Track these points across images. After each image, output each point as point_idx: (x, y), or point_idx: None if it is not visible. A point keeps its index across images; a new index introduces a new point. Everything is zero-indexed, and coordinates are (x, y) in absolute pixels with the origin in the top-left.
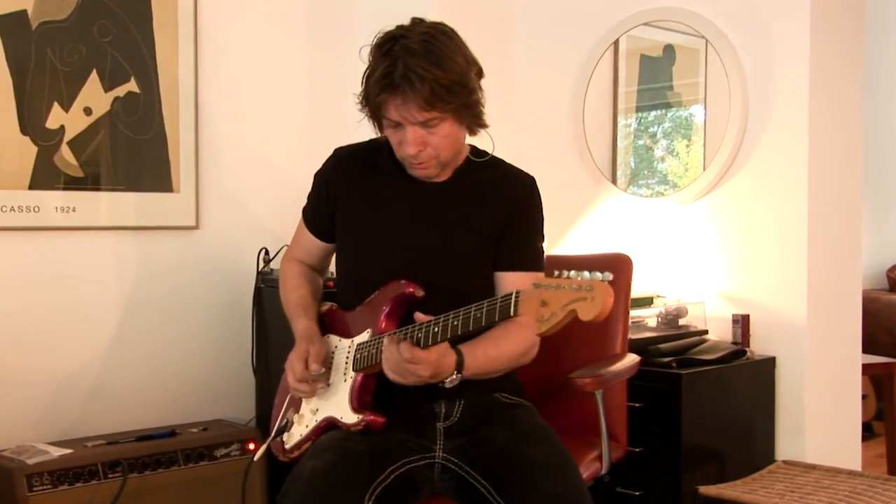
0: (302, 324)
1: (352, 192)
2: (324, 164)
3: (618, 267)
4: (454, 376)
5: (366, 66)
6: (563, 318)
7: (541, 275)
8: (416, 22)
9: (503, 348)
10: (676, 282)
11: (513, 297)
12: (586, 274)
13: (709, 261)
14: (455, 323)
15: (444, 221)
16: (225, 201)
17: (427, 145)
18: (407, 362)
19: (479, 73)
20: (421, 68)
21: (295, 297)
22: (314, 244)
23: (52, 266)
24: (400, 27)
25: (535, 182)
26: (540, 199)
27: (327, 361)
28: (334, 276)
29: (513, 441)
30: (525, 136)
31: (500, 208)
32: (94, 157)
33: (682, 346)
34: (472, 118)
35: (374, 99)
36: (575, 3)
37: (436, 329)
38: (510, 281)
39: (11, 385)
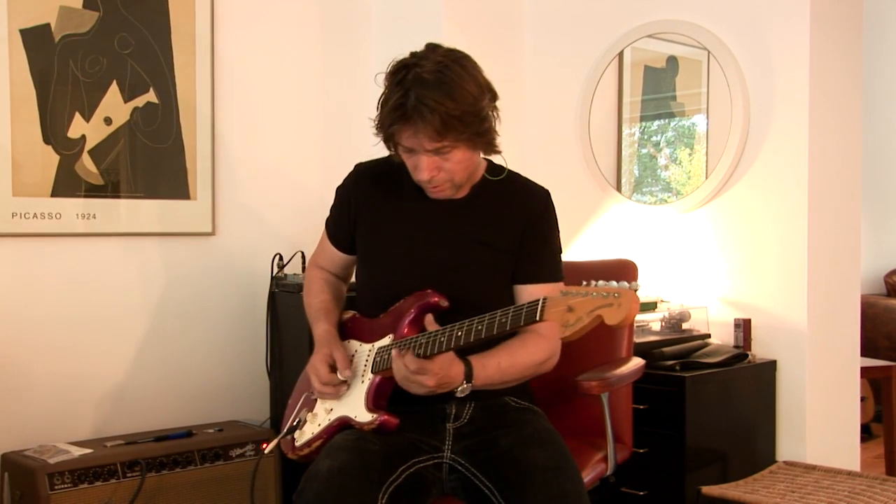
0: (322, 328)
1: (372, 208)
2: (345, 180)
3: (623, 272)
4: (464, 385)
5: (381, 90)
6: (589, 323)
7: (561, 285)
8: (431, 49)
9: (518, 357)
10: (680, 287)
11: (539, 302)
12: (613, 283)
13: (711, 266)
14: (479, 327)
15: (463, 237)
16: (240, 208)
17: (441, 170)
18: (413, 373)
19: (493, 98)
20: (432, 100)
21: (317, 303)
22: (336, 255)
23: (73, 271)
24: (414, 55)
25: (549, 195)
26: (555, 212)
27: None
28: (354, 283)
29: (517, 444)
30: (532, 146)
31: (517, 222)
32: (114, 166)
33: (686, 349)
34: (485, 144)
35: (387, 128)
36: (581, 16)
37: (459, 333)
38: (530, 293)
39: (33, 387)
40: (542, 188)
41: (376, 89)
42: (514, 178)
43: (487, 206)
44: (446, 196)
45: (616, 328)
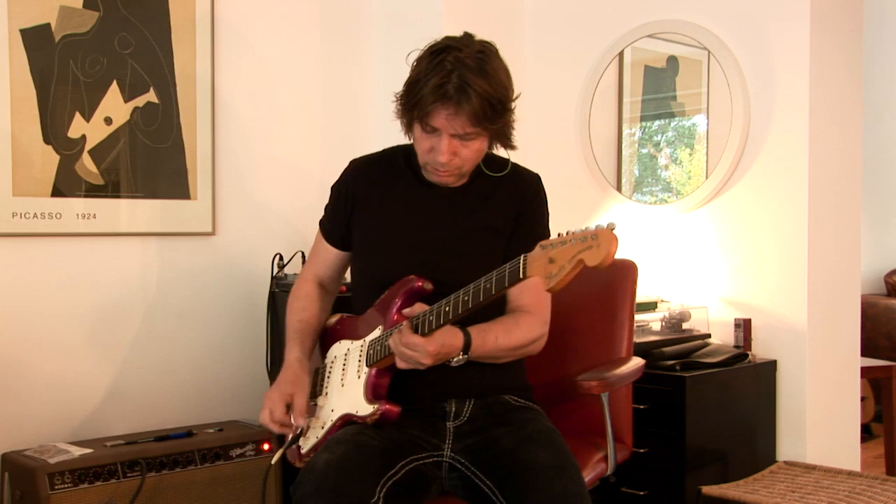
0: (293, 355)
1: (368, 200)
2: (341, 176)
3: (623, 272)
4: (461, 357)
5: (410, 70)
6: (571, 269)
7: None
8: (468, 36)
9: (513, 335)
10: (680, 287)
11: (521, 260)
12: (591, 226)
13: (711, 266)
14: (465, 298)
15: (461, 224)
16: (241, 208)
17: (457, 156)
18: (404, 346)
19: (515, 97)
20: (476, 84)
21: (295, 322)
22: (331, 254)
23: (73, 271)
24: (452, 38)
25: (540, 179)
26: (545, 196)
27: (311, 410)
28: (348, 281)
29: (518, 443)
30: (533, 145)
31: (510, 205)
32: (114, 166)
33: (686, 349)
34: (506, 138)
35: (426, 106)
36: (581, 15)
37: (446, 308)
38: None
39: (34, 387)
40: (533, 172)
41: (377, 90)
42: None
43: (481, 191)
44: (449, 182)
45: (598, 269)
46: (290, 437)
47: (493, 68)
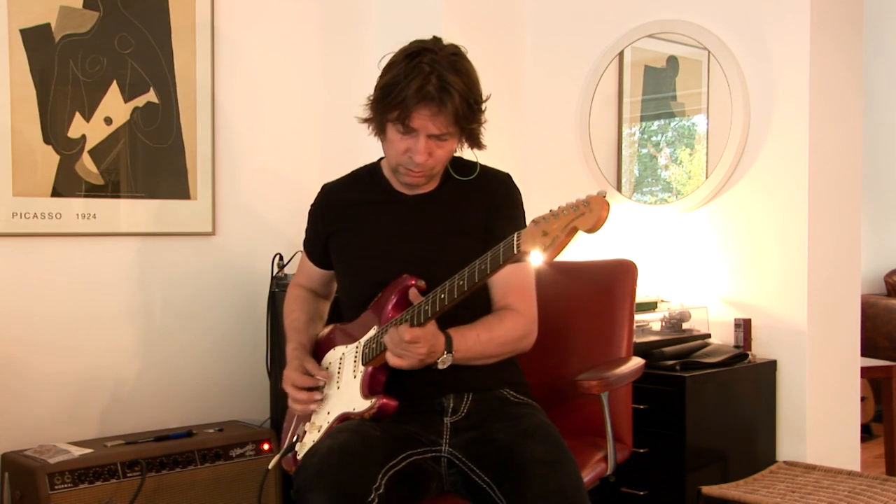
0: (290, 347)
1: (341, 220)
2: (314, 200)
3: (623, 272)
4: (445, 356)
5: (381, 74)
6: (565, 238)
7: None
8: (438, 39)
9: (496, 332)
10: (680, 287)
11: (514, 237)
12: (581, 197)
13: (711, 266)
14: (461, 282)
15: (434, 230)
16: (241, 208)
17: (431, 156)
18: (407, 342)
19: (486, 98)
20: (454, 83)
21: (288, 322)
22: (315, 272)
23: (73, 271)
24: (424, 41)
25: (510, 178)
26: (518, 194)
27: (307, 416)
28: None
29: (515, 439)
30: (532, 145)
31: (481, 207)
32: (114, 166)
33: (686, 349)
34: (475, 138)
35: (409, 108)
36: (581, 15)
37: (442, 295)
38: (501, 274)
39: (34, 387)
40: (502, 172)
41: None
42: (475, 165)
43: (452, 196)
44: (420, 183)
45: (591, 233)
46: (286, 445)
47: (466, 68)
